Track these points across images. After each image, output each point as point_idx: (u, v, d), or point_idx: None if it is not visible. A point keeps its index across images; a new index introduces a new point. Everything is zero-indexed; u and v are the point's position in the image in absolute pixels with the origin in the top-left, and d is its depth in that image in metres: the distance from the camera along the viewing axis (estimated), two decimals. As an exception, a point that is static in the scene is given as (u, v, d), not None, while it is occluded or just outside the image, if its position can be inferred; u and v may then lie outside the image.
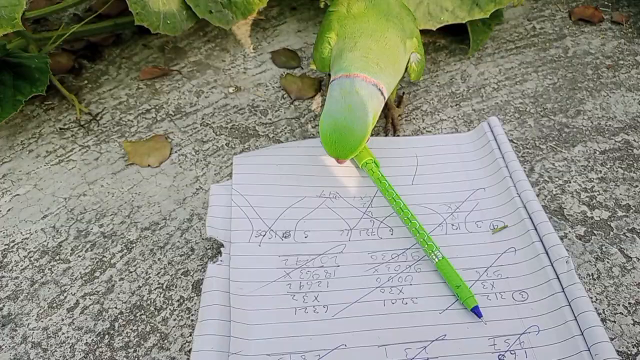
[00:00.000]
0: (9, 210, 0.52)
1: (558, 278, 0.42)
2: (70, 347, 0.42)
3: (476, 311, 0.41)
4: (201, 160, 0.56)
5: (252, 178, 0.51)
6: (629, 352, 0.40)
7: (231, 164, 0.54)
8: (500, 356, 0.39)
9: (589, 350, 0.38)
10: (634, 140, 0.56)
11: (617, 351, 0.40)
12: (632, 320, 0.42)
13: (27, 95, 0.56)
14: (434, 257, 0.44)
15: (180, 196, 0.53)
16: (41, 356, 0.41)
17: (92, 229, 0.50)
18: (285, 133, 0.59)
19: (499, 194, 0.49)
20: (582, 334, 0.38)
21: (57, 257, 0.48)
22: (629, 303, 0.43)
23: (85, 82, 0.67)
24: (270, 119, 0.61)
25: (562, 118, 0.59)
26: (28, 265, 0.48)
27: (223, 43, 0.72)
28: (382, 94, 0.47)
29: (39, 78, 0.57)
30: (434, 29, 0.63)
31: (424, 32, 0.70)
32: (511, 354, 0.39)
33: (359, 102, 0.45)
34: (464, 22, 0.63)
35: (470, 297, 0.41)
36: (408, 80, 0.64)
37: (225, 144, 0.58)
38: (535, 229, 0.45)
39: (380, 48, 0.49)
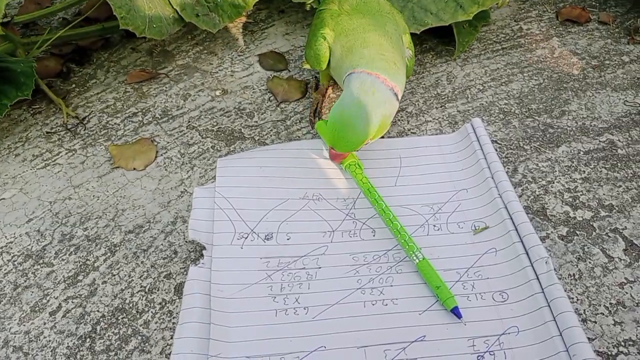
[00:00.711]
0: (-6, 214, 0.53)
1: (538, 279, 0.42)
2: (51, 351, 0.42)
3: (456, 312, 0.41)
4: (187, 163, 0.56)
5: (236, 180, 0.51)
6: (610, 353, 0.40)
7: (217, 166, 0.54)
8: (479, 357, 0.39)
9: (567, 350, 0.38)
10: (618, 140, 0.56)
11: (597, 352, 0.40)
12: (613, 321, 0.42)
13: (12, 100, 0.56)
14: (414, 258, 0.44)
15: (165, 199, 0.53)
16: (22, 360, 0.41)
17: (76, 232, 0.51)
18: (271, 135, 0.59)
19: (481, 195, 0.49)
20: (561, 335, 0.38)
21: (41, 261, 0.48)
22: (610, 303, 0.43)
23: (73, 85, 0.67)
24: (256, 122, 0.61)
25: (547, 118, 0.59)
26: (12, 269, 0.48)
27: (211, 46, 0.72)
28: (397, 98, 0.49)
29: (25, 82, 0.57)
30: (418, 32, 0.63)
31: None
32: (490, 354, 0.39)
33: (373, 102, 0.47)
34: (447, 24, 0.63)
35: (450, 298, 0.41)
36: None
37: (211, 147, 0.58)
38: (516, 230, 0.45)
39: (389, 44, 0.50)
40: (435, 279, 0.43)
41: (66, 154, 0.58)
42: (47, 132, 0.61)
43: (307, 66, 0.57)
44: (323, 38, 0.53)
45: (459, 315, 0.41)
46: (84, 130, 0.61)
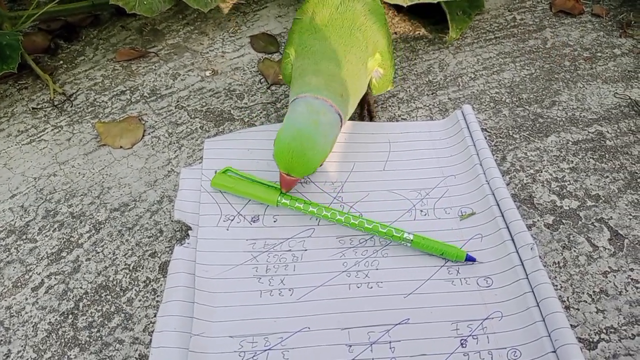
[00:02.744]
0: (-23, 189, 0.52)
1: (523, 265, 0.42)
2: (33, 327, 0.42)
3: (470, 258, 0.43)
4: (174, 143, 0.56)
5: (223, 162, 0.51)
6: (591, 340, 0.41)
7: (204, 147, 0.53)
8: (462, 341, 0.39)
9: (549, 336, 0.38)
10: (607, 131, 0.57)
11: (579, 338, 0.41)
12: (596, 309, 0.43)
13: (-2, 73, 0.55)
14: (406, 241, 0.44)
15: (151, 178, 0.53)
16: (2, 335, 0.41)
17: (61, 209, 0.50)
18: (261, 117, 0.59)
19: (469, 181, 0.49)
20: (544, 320, 0.39)
21: (24, 237, 0.48)
22: (593, 291, 0.44)
23: (61, 62, 0.66)
24: (246, 103, 0.60)
25: (537, 108, 0.59)
26: (-6, 244, 0.47)
27: (202, 26, 0.71)
28: (341, 126, 0.46)
29: (10, 55, 0.56)
30: (405, 5, 0.62)
31: (402, 19, 0.70)
32: (473, 338, 0.39)
33: (326, 122, 0.44)
34: (435, 1, 0.62)
35: (459, 251, 0.43)
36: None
37: (200, 127, 0.57)
38: (503, 216, 0.45)
39: (342, 74, 0.47)
40: (436, 246, 0.44)
41: (52, 130, 0.58)
42: (33, 108, 0.60)
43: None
44: (288, 57, 0.51)
45: (473, 260, 0.43)
46: (71, 107, 0.60)
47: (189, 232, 0.45)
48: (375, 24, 0.51)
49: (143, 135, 0.57)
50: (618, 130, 0.57)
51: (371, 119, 0.57)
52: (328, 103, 0.45)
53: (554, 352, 0.37)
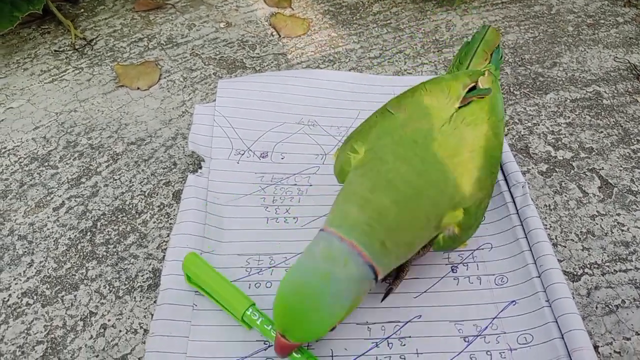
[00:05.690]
0: (1, 120, 0.55)
1: (514, 201, 0.45)
2: (54, 241, 0.45)
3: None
4: (189, 87, 0.59)
5: (235, 102, 0.53)
6: (575, 273, 0.43)
7: (217, 87, 0.56)
8: (452, 267, 0.42)
9: (535, 263, 0.40)
10: (605, 92, 0.59)
11: (564, 271, 0.43)
12: (582, 246, 0.45)
13: (23, 12, 0.58)
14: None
15: (166, 117, 0.55)
16: (26, 247, 0.44)
17: (81, 140, 0.53)
18: (272, 67, 0.61)
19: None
20: (531, 249, 0.41)
21: (46, 164, 0.51)
22: (581, 232, 0.46)
23: (82, 10, 0.69)
24: (258, 53, 0.63)
25: (538, 68, 0.61)
26: (18, 169, 0.50)
27: (218, -18, 0.74)
28: (375, 278, 0.34)
29: (36, -3, 0.59)
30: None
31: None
32: (463, 265, 0.42)
33: (344, 277, 0.32)
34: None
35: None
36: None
37: (213, 73, 0.60)
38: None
39: (399, 218, 0.34)
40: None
41: (73, 71, 0.60)
42: (55, 51, 0.63)
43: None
44: (353, 150, 0.38)
45: None
46: (91, 51, 0.63)
47: (202, 163, 0.48)
48: (481, 169, 0.37)
49: (159, 79, 0.59)
50: (615, 91, 0.59)
51: (387, 293, 0.40)
52: (356, 250, 0.33)
53: (539, 277, 0.40)
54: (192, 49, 0.63)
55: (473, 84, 0.40)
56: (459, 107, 0.38)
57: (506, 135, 0.54)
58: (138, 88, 0.58)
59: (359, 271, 0.33)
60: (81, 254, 0.44)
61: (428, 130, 0.37)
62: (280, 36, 0.65)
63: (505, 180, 0.46)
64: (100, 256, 0.43)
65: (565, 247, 0.45)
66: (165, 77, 0.60)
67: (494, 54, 0.47)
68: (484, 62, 0.45)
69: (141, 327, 0.39)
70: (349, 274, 0.32)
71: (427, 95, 0.40)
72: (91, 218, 0.46)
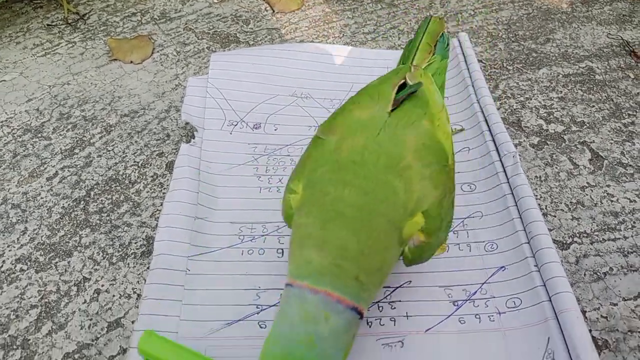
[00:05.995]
0: (-6, 93, 0.55)
1: (505, 171, 0.45)
2: (47, 210, 0.45)
3: None
4: (182, 60, 0.59)
5: (228, 74, 0.53)
6: (564, 242, 0.44)
7: (210, 60, 0.56)
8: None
9: (524, 229, 0.41)
10: (597, 67, 0.59)
11: (554, 240, 0.44)
12: (571, 216, 0.46)
13: (15, -15, 0.58)
14: None
15: (159, 90, 0.55)
16: (20, 215, 0.44)
17: (74, 112, 0.53)
18: (266, 42, 0.61)
19: (461, 102, 0.52)
20: (520, 217, 0.42)
21: (40, 135, 0.51)
22: (571, 202, 0.47)
23: (74, -15, 0.69)
24: (251, 28, 0.63)
25: (532, 44, 0.62)
26: (11, 140, 0.50)
27: (212, -42, 0.73)
28: (360, 317, 0.31)
29: (28, -30, 0.58)
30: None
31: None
32: (453, 233, 0.42)
33: (329, 333, 0.29)
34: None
35: None
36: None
37: (206, 47, 0.60)
38: (490, 130, 0.48)
39: (360, 246, 0.31)
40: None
41: (66, 45, 0.60)
42: (48, 25, 0.63)
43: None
44: (291, 191, 0.35)
45: None
46: (84, 25, 0.63)
47: (195, 133, 0.48)
48: (429, 167, 0.34)
49: (152, 53, 0.59)
50: (608, 67, 0.59)
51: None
52: (333, 298, 0.30)
53: (528, 243, 0.40)
54: (186, 24, 0.63)
55: (402, 81, 0.38)
56: (392, 110, 0.36)
57: (498, 109, 0.54)
58: (131, 62, 0.58)
59: (343, 320, 0.30)
60: (75, 222, 0.44)
61: (364, 145, 0.34)
62: (274, 11, 0.65)
63: (497, 151, 0.46)
64: (94, 224, 0.44)
65: (555, 216, 0.46)
66: (158, 51, 0.59)
67: (439, 42, 0.46)
68: (427, 55, 0.44)
69: (134, 292, 0.39)
70: (333, 328, 0.29)
71: (356, 108, 0.37)
72: (85, 187, 0.47)
